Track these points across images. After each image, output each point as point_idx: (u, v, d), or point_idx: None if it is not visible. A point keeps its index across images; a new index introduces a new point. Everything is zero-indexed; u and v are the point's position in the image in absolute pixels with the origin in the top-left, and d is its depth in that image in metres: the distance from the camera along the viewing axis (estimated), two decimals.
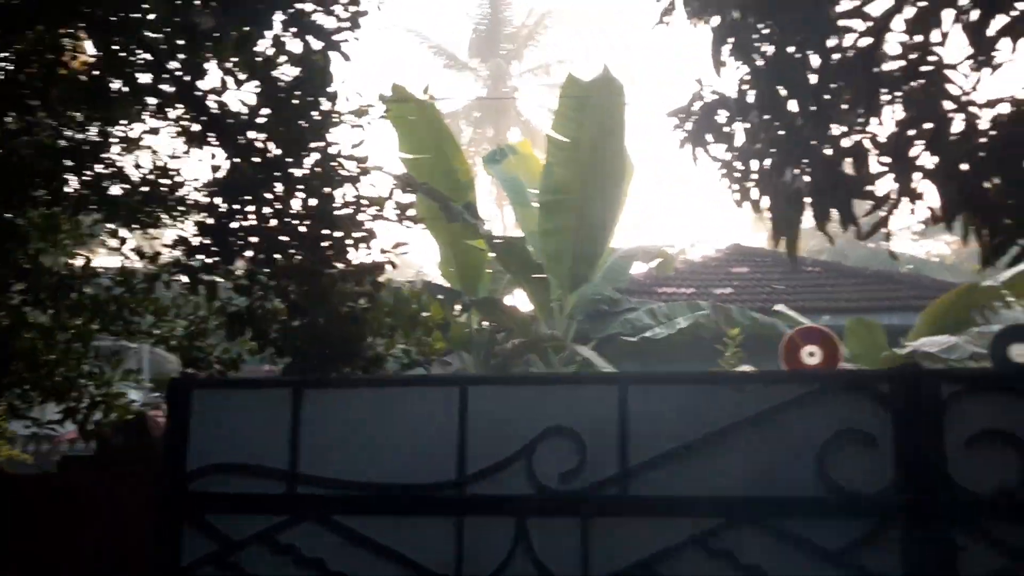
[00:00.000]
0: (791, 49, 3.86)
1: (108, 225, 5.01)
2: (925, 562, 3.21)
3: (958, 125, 4.09)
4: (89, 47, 4.56)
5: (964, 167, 3.90)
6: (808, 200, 4.17)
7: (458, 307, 10.19)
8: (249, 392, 3.88)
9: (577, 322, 11.35)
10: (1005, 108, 4.08)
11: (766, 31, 3.91)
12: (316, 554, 3.53)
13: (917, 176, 4.15)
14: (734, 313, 10.69)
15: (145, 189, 4.74)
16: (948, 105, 4.09)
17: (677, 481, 3.42)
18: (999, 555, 3.18)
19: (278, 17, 4.06)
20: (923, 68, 4.13)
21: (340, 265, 4.15)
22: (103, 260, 5.85)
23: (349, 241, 4.13)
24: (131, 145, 4.92)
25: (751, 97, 4.11)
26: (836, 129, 4.36)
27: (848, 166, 4.31)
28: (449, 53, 31.50)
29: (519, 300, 13.54)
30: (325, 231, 4.13)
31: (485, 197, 29.02)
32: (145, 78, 4.42)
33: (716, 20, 4.15)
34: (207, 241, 4.19)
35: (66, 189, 4.67)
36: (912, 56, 4.13)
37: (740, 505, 3.37)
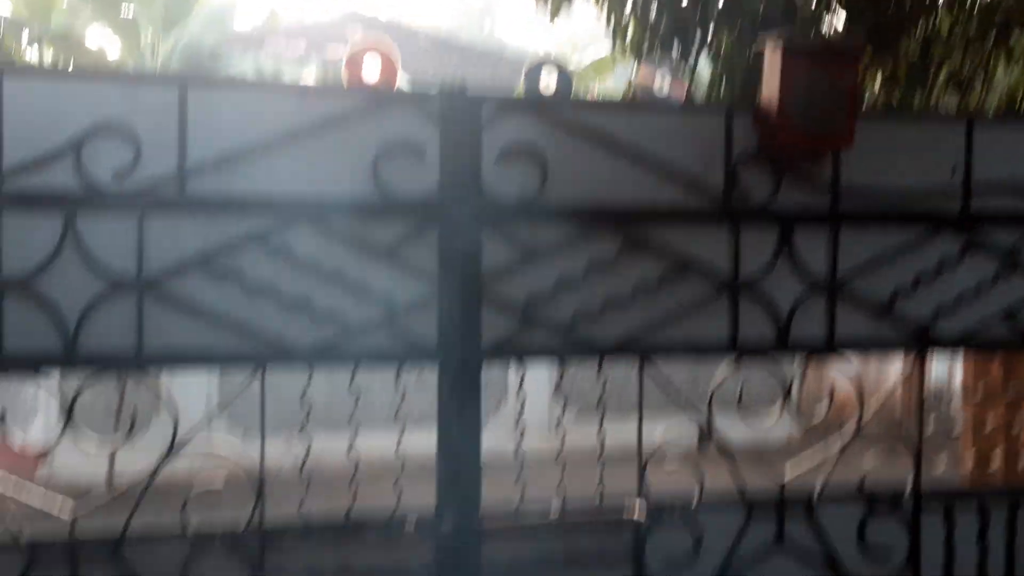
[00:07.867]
0: None
1: None
2: (455, 255, 3.73)
3: None
4: None
5: None
6: None
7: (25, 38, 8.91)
8: None
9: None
10: None
11: None
12: None
13: None
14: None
15: None
16: None
17: (237, 182, 3.52)
18: (513, 247, 3.81)
19: None
20: None
21: None
22: None
23: None
24: None
25: None
26: None
27: None
28: None
29: (106, 40, 12.20)
30: None
31: None
32: None
33: None
34: None
35: None
36: None
37: (298, 206, 3.58)
